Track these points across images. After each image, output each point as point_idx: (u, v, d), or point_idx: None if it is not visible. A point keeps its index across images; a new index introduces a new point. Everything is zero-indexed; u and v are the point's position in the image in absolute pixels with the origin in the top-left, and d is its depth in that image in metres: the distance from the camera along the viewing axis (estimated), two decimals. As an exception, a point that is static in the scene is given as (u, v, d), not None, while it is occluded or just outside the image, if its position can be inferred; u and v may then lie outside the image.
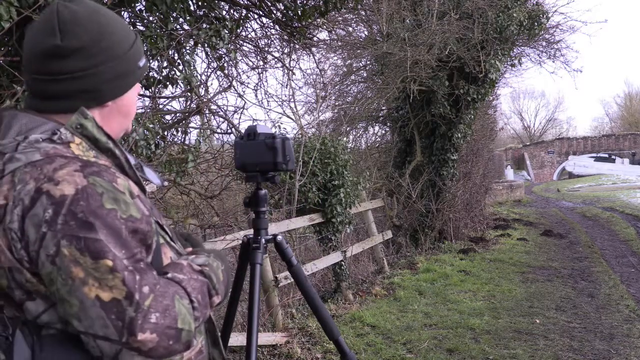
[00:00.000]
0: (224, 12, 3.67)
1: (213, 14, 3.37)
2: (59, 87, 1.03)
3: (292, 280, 2.15)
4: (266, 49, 4.57)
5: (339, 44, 7.35)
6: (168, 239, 1.16)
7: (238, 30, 3.83)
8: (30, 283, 0.93)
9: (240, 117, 4.85)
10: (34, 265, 0.92)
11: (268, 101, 9.16)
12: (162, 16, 2.87)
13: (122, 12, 2.76)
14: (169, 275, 1.02)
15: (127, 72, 1.10)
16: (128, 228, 0.95)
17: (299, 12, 3.85)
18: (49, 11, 1.03)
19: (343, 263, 5.77)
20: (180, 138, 3.67)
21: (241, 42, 4.25)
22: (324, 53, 7.85)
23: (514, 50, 9.13)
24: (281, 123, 7.96)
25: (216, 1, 3.48)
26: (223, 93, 4.02)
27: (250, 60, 4.65)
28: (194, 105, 3.50)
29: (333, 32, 5.96)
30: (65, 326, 0.95)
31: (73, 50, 1.02)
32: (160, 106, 3.45)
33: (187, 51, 3.12)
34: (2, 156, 0.98)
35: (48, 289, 0.93)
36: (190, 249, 1.25)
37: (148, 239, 1.00)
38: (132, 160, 1.18)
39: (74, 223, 0.90)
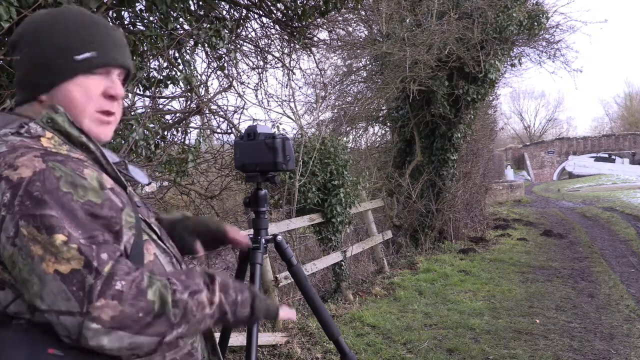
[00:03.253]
0: (224, 12, 3.67)
1: (213, 14, 3.37)
2: (15, 79, 1.13)
3: (292, 280, 2.15)
4: (266, 49, 4.57)
5: (339, 44, 7.35)
6: (155, 237, 1.16)
7: (238, 30, 3.83)
8: None
9: (240, 117, 4.86)
10: None
11: (268, 101, 9.15)
12: (162, 16, 2.87)
13: (122, 12, 2.77)
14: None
15: (50, 63, 1.09)
16: (85, 211, 0.95)
17: (299, 12, 3.86)
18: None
19: (343, 263, 5.77)
20: (180, 138, 3.68)
21: (241, 42, 4.25)
22: (324, 53, 7.85)
23: (514, 50, 9.13)
24: (281, 123, 7.96)
25: (216, 1, 3.48)
26: (223, 93, 4.03)
27: (250, 60, 4.66)
28: (194, 105, 3.50)
29: (333, 32, 5.96)
30: (33, 316, 0.94)
31: (13, 42, 1.11)
32: (160, 106, 3.45)
33: (187, 51, 3.12)
34: None
35: (11, 275, 0.93)
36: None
37: (114, 225, 1.00)
38: (115, 158, 1.20)
39: (29, 202, 0.91)
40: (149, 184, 1.34)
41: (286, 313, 1.22)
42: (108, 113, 1.13)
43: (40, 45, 1.09)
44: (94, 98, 1.11)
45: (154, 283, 0.95)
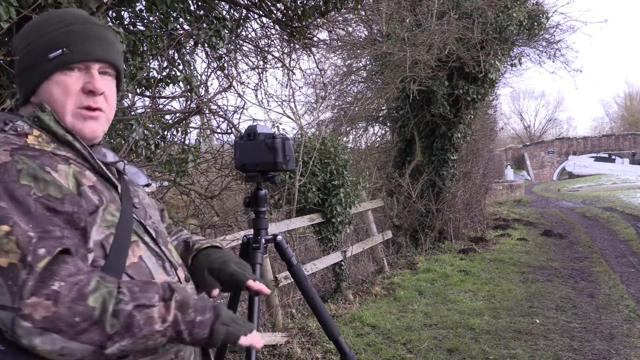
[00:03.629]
0: (224, 12, 3.67)
1: (213, 14, 3.37)
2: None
3: (292, 280, 2.15)
4: (266, 49, 4.57)
5: (339, 44, 7.35)
6: (147, 239, 1.14)
7: (238, 30, 3.83)
8: None
9: (240, 117, 4.86)
10: None
11: (268, 101, 9.17)
12: (162, 16, 2.87)
13: (122, 12, 2.77)
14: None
15: (31, 65, 1.12)
16: (42, 204, 0.95)
17: (299, 12, 3.86)
18: None
19: (343, 263, 5.77)
20: (180, 138, 3.67)
21: (241, 42, 4.25)
22: (324, 53, 7.85)
23: (514, 50, 9.13)
24: (281, 123, 7.97)
25: (216, 1, 3.48)
26: (223, 93, 4.03)
27: (250, 60, 4.66)
28: (194, 105, 3.50)
29: (333, 32, 5.96)
30: None
31: (13, 48, 1.17)
32: (160, 106, 3.45)
33: (187, 51, 3.12)
34: None
35: None
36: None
37: (78, 221, 0.99)
38: (112, 158, 1.20)
39: None
40: (148, 185, 1.34)
41: (249, 339, 1.09)
42: (89, 108, 1.13)
43: (23, 50, 1.13)
44: (72, 94, 1.12)
45: (99, 289, 0.91)
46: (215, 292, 1.29)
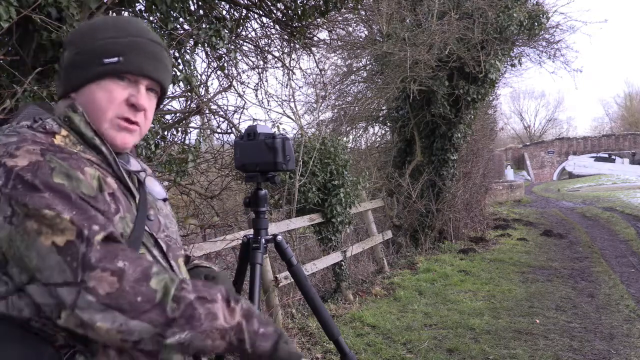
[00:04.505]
0: (224, 12, 3.67)
1: (213, 14, 3.36)
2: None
3: (292, 280, 2.15)
4: (266, 48, 4.57)
5: (339, 44, 7.35)
6: (156, 253, 1.13)
7: (238, 30, 3.83)
8: None
9: (240, 117, 4.85)
10: None
11: (268, 101, 9.16)
12: (162, 16, 2.87)
13: (122, 12, 2.76)
14: None
15: (81, 64, 1.12)
16: (78, 196, 0.96)
17: (299, 11, 3.85)
18: None
19: (343, 263, 5.77)
20: (180, 138, 3.67)
21: (241, 42, 4.24)
22: (324, 53, 7.85)
23: (514, 50, 9.13)
24: (281, 123, 7.97)
25: (216, 1, 3.48)
26: (223, 93, 4.03)
27: (250, 60, 4.65)
28: (194, 105, 3.50)
29: (333, 32, 5.96)
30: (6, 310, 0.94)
31: (64, 44, 1.16)
32: (160, 106, 3.44)
33: (187, 51, 3.12)
34: None
35: (7, 255, 0.94)
36: None
37: (108, 220, 1.00)
38: (136, 166, 1.21)
39: (21, 186, 0.93)
40: (165, 200, 1.34)
41: None
42: (128, 120, 1.14)
43: (78, 47, 1.12)
44: (115, 103, 1.13)
45: (161, 274, 0.93)
46: None
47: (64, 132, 1.06)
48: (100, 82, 1.11)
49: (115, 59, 1.11)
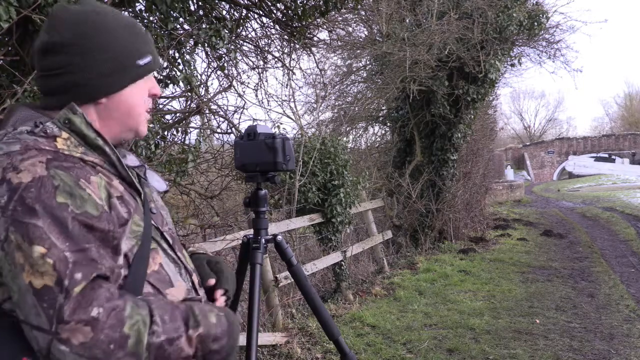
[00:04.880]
0: (224, 12, 3.67)
1: (213, 14, 3.37)
2: (52, 82, 1.07)
3: (292, 280, 2.15)
4: (266, 48, 4.57)
5: (339, 44, 7.35)
6: (165, 246, 1.14)
7: (238, 30, 3.83)
8: None
9: (240, 117, 4.85)
10: None
11: (268, 101, 9.16)
12: (162, 16, 2.87)
13: (122, 12, 2.76)
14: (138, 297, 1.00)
15: (119, 68, 1.10)
16: (79, 222, 0.94)
17: (299, 11, 3.86)
18: (49, 11, 1.09)
19: (343, 263, 5.77)
20: (180, 138, 3.67)
21: (241, 42, 4.24)
22: (324, 53, 7.85)
23: (514, 50, 9.13)
24: (281, 123, 7.96)
25: (216, 1, 3.48)
26: (223, 93, 4.03)
27: (250, 60, 4.65)
28: (194, 105, 3.50)
29: (333, 32, 5.96)
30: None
31: (59, 45, 1.05)
32: (160, 106, 3.45)
33: (187, 51, 3.12)
34: None
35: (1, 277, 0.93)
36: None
37: (111, 239, 0.98)
38: (136, 162, 1.20)
39: (21, 209, 0.90)
40: (166, 191, 1.35)
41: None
42: (148, 109, 1.18)
43: (109, 52, 1.08)
44: (145, 100, 1.16)
45: (134, 316, 0.92)
46: (211, 281, 1.31)
47: (64, 135, 1.03)
48: (137, 84, 1.14)
49: (148, 58, 1.14)
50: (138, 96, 1.15)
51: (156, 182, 1.25)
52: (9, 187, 0.92)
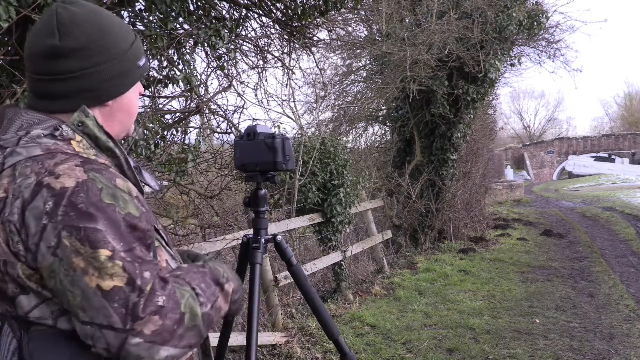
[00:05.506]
0: (224, 12, 3.67)
1: (213, 14, 3.37)
2: (59, 87, 1.05)
3: (292, 280, 2.15)
4: (266, 48, 4.57)
5: (339, 44, 7.35)
6: (164, 243, 1.16)
7: (238, 30, 3.82)
8: (22, 277, 0.93)
9: (240, 117, 4.85)
10: (33, 259, 0.91)
11: (268, 101, 9.16)
12: (162, 16, 2.87)
13: (122, 12, 2.76)
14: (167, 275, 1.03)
15: (126, 71, 1.11)
16: (127, 223, 0.95)
17: (299, 11, 3.85)
18: (48, 13, 1.05)
19: (343, 263, 5.77)
20: (180, 138, 3.67)
21: (241, 41, 4.24)
22: (324, 53, 7.85)
23: (514, 50, 9.13)
24: (281, 123, 7.95)
25: (216, 1, 3.48)
26: (223, 93, 4.02)
27: (250, 60, 4.65)
28: (194, 105, 3.50)
29: (333, 32, 5.96)
30: (56, 322, 0.94)
31: (71, 50, 1.03)
32: (160, 106, 3.45)
33: (187, 51, 3.12)
34: (2, 150, 0.98)
35: (43, 284, 0.93)
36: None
37: (148, 238, 1.00)
38: (132, 163, 1.20)
39: (74, 214, 0.90)
40: (160, 191, 1.38)
41: None
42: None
43: (112, 54, 1.08)
44: (138, 100, 1.19)
45: (184, 295, 0.97)
46: None
47: (78, 138, 1.03)
48: (136, 85, 1.16)
49: (144, 60, 1.16)
50: (136, 97, 1.17)
51: (151, 181, 1.27)
52: (53, 193, 0.91)
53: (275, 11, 3.96)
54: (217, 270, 1.11)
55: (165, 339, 0.92)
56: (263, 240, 1.89)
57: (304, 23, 3.98)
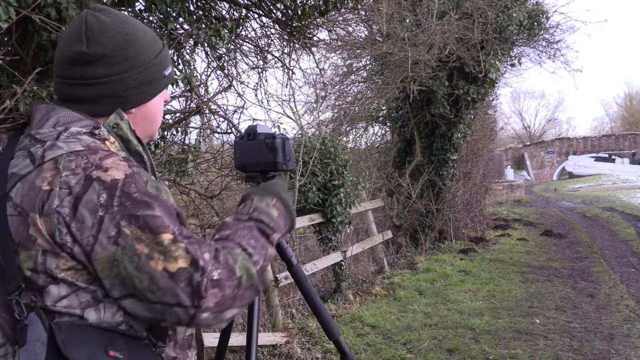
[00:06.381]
0: (224, 12, 3.67)
1: (213, 14, 3.37)
2: (84, 92, 1.09)
3: (292, 280, 2.15)
4: (266, 48, 4.57)
5: (339, 44, 7.35)
6: None
7: (238, 30, 3.82)
8: (59, 268, 0.95)
9: (240, 117, 4.84)
10: (84, 252, 0.94)
11: (268, 101, 9.17)
12: (161, 16, 2.87)
13: (122, 12, 2.76)
14: (215, 236, 1.10)
15: (150, 80, 1.14)
16: (174, 210, 1.01)
17: (299, 11, 3.85)
18: (78, 20, 1.10)
19: (343, 263, 5.77)
20: (180, 138, 3.67)
21: (241, 41, 4.24)
22: (324, 53, 7.85)
23: (514, 50, 9.13)
24: (281, 123, 7.95)
25: (216, 1, 3.48)
26: (223, 93, 4.02)
27: (250, 60, 4.64)
28: (194, 105, 3.50)
29: (333, 32, 5.96)
30: (83, 312, 0.96)
31: (98, 57, 1.07)
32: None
33: (187, 51, 3.12)
34: (41, 143, 1.01)
35: (79, 275, 0.95)
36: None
37: (187, 226, 1.06)
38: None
39: (129, 203, 0.94)
40: None
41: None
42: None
43: (139, 62, 1.12)
44: (162, 107, 1.22)
45: (237, 259, 1.02)
46: None
47: (111, 139, 1.08)
48: (162, 94, 1.19)
49: (170, 69, 1.20)
50: (160, 105, 1.21)
51: None
52: (105, 185, 0.94)
53: (275, 11, 3.96)
54: (261, 222, 1.14)
55: (228, 305, 0.99)
56: (263, 240, 1.88)
57: (303, 23, 3.98)
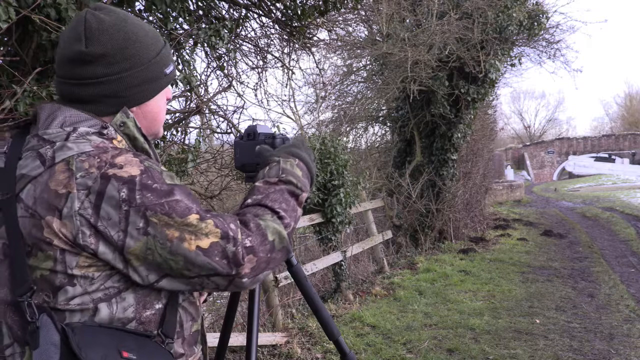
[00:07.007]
0: (224, 12, 3.67)
1: (212, 14, 3.37)
2: (85, 91, 1.08)
3: (292, 280, 2.15)
4: (266, 48, 4.57)
5: (339, 44, 7.35)
6: None
7: (238, 30, 3.82)
8: (78, 266, 0.95)
9: (240, 117, 4.85)
10: (115, 248, 0.95)
11: (268, 101, 9.18)
12: (161, 16, 2.87)
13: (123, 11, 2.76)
14: (248, 201, 1.14)
15: (151, 79, 1.14)
16: (191, 194, 1.04)
17: (299, 11, 3.85)
18: (77, 19, 1.09)
19: (343, 263, 5.77)
20: (180, 138, 3.67)
21: (241, 41, 4.24)
22: (324, 53, 7.86)
23: (514, 50, 9.13)
24: (281, 123, 7.96)
25: (216, 1, 3.48)
26: (223, 93, 4.02)
27: (250, 60, 4.64)
28: (194, 105, 3.50)
29: (333, 32, 5.95)
30: (96, 306, 0.97)
31: (97, 56, 1.07)
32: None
33: (187, 51, 3.12)
34: (50, 144, 1.01)
35: (100, 269, 0.96)
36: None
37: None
38: None
39: (150, 195, 0.97)
40: None
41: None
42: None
43: (140, 61, 1.12)
44: (164, 106, 1.23)
45: (268, 224, 1.06)
46: None
47: (119, 137, 1.09)
48: (163, 91, 1.20)
49: (171, 67, 1.20)
50: (162, 103, 1.21)
51: None
52: (123, 181, 0.96)
53: (274, 11, 3.96)
54: (290, 184, 1.18)
55: (263, 268, 1.05)
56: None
57: (303, 23, 3.98)
